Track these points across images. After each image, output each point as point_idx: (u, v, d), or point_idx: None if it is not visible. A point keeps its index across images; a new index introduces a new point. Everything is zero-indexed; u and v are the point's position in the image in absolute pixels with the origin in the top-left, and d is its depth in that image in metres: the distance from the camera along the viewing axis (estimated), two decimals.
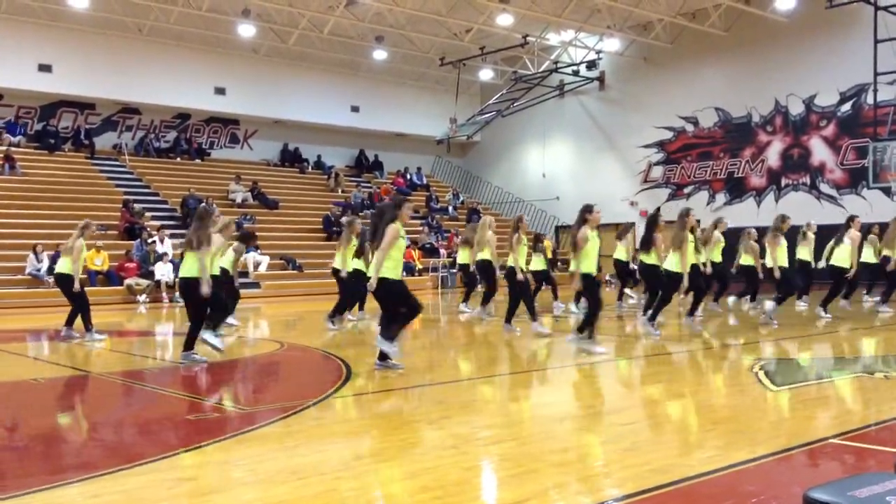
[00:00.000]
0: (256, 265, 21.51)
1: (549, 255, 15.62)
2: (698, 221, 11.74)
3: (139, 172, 25.53)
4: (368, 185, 29.84)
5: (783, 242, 12.15)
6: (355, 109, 30.09)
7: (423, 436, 5.40)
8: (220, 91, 27.19)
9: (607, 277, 20.74)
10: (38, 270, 18.38)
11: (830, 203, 23.28)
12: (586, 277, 9.07)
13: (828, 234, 14.18)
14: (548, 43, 27.77)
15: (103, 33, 24.58)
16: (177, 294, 18.22)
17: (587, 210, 9.06)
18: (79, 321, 10.75)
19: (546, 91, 29.51)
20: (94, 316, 10.90)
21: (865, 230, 13.94)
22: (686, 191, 26.91)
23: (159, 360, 9.95)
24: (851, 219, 13.27)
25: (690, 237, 10.77)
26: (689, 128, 26.85)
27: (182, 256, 8.67)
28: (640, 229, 12.27)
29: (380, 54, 27.86)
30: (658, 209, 11.71)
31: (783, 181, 24.68)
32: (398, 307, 7.80)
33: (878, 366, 8.55)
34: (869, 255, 13.95)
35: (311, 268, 22.43)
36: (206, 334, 8.68)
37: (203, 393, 7.45)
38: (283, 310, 17.59)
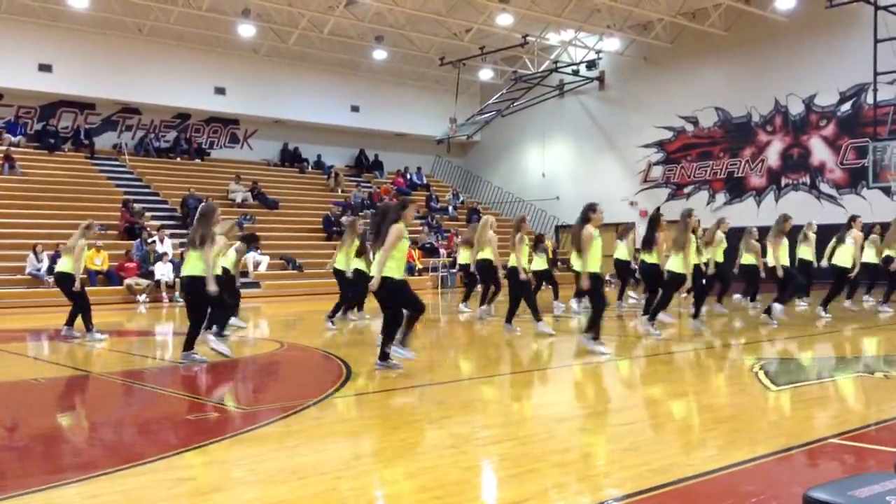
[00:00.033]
0: (256, 265, 21.51)
1: (550, 255, 15.62)
2: (699, 222, 11.74)
3: (139, 172, 25.54)
4: (368, 184, 29.83)
5: (785, 242, 12.15)
6: (355, 109, 30.09)
7: (423, 436, 5.40)
8: (220, 91, 27.19)
9: (608, 277, 20.72)
10: (38, 270, 18.39)
11: (830, 203, 23.28)
12: (593, 277, 9.05)
13: (828, 234, 14.18)
14: (548, 43, 27.76)
15: (103, 33, 24.59)
16: (177, 294, 18.23)
17: (591, 209, 9.02)
18: (79, 321, 10.76)
19: (546, 91, 29.49)
20: (94, 316, 10.91)
21: (868, 230, 13.96)
22: (686, 191, 26.90)
23: (159, 359, 9.95)
24: (853, 218, 13.30)
25: (692, 238, 10.77)
26: (689, 127, 26.84)
27: (182, 256, 8.63)
28: (641, 229, 12.27)
29: (380, 54, 27.86)
30: (658, 209, 11.72)
31: (783, 181, 24.67)
32: (400, 307, 7.78)
33: (878, 365, 8.54)
34: (870, 256, 13.93)
35: (311, 268, 22.41)
36: (213, 342, 8.63)
37: (203, 393, 7.44)
38: (283, 310, 17.60)
